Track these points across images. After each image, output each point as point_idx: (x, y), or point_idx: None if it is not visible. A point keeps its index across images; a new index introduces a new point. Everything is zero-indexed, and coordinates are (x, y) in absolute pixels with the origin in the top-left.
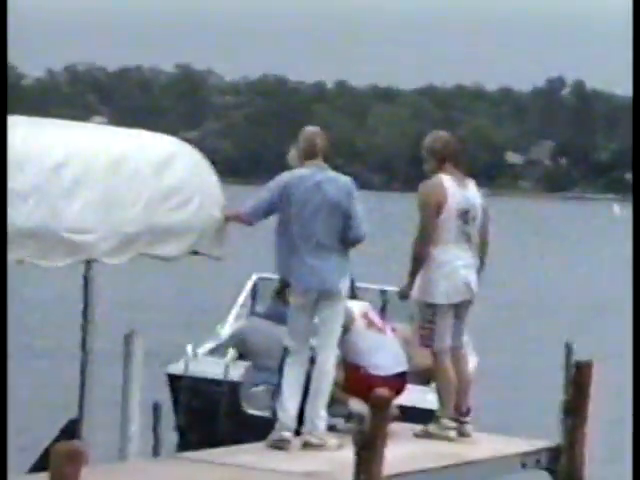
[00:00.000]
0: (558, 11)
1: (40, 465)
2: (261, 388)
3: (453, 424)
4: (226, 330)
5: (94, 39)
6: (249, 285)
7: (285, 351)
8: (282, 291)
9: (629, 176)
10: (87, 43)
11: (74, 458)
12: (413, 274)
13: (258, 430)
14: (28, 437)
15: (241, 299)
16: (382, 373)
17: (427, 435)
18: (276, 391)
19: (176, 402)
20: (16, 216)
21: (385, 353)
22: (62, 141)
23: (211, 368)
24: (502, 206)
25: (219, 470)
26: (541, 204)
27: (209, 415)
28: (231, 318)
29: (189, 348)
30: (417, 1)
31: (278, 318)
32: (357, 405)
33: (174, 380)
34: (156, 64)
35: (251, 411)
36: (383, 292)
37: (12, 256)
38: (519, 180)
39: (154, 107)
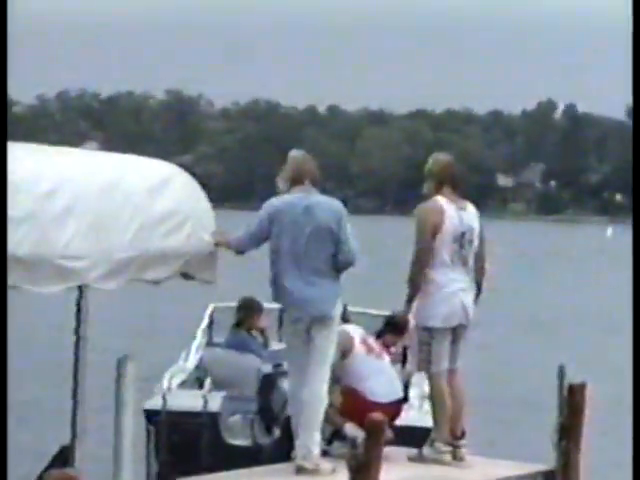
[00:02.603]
0: (547, 35)
1: None
2: (237, 417)
3: (448, 448)
4: (190, 361)
5: (86, 65)
6: (207, 315)
7: (266, 378)
8: (243, 320)
9: (619, 197)
10: (78, 69)
11: None
12: (411, 298)
13: (239, 460)
14: (21, 464)
15: (201, 329)
16: (379, 400)
17: (421, 459)
18: (254, 419)
19: (155, 438)
20: (8, 242)
21: (383, 380)
22: (54, 167)
23: (189, 401)
24: (493, 229)
25: None
26: (532, 226)
27: (190, 448)
28: (193, 349)
29: (165, 382)
30: (402, 31)
31: (240, 347)
32: (352, 429)
33: (152, 415)
34: (147, 90)
35: (232, 441)
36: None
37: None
38: (510, 203)
39: (146, 132)
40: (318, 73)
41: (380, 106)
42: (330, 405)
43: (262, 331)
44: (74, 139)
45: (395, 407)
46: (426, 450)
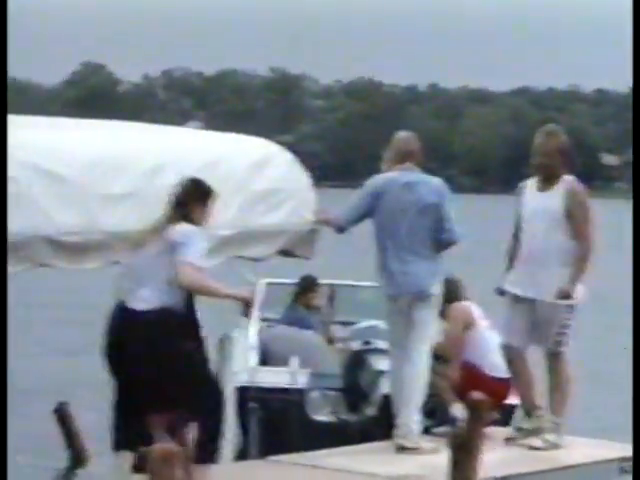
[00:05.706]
0: None
1: None
2: (317, 393)
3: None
4: (252, 338)
5: (191, 44)
6: (261, 290)
7: (355, 355)
8: (300, 296)
9: None
10: (184, 48)
11: (170, 460)
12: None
13: (325, 436)
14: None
15: (257, 305)
16: (500, 375)
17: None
18: (337, 396)
19: (243, 412)
20: (111, 221)
21: (500, 355)
22: (157, 146)
23: (277, 377)
24: (598, 207)
25: (313, 473)
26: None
27: (278, 424)
28: (252, 326)
29: (252, 360)
30: (508, 5)
31: (301, 323)
32: (459, 410)
33: (240, 391)
34: (251, 68)
35: (315, 417)
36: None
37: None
38: (615, 182)
39: (249, 111)
40: (418, 52)
41: (480, 84)
42: (442, 380)
43: (318, 309)
44: (177, 118)
45: (509, 383)
46: (526, 424)
